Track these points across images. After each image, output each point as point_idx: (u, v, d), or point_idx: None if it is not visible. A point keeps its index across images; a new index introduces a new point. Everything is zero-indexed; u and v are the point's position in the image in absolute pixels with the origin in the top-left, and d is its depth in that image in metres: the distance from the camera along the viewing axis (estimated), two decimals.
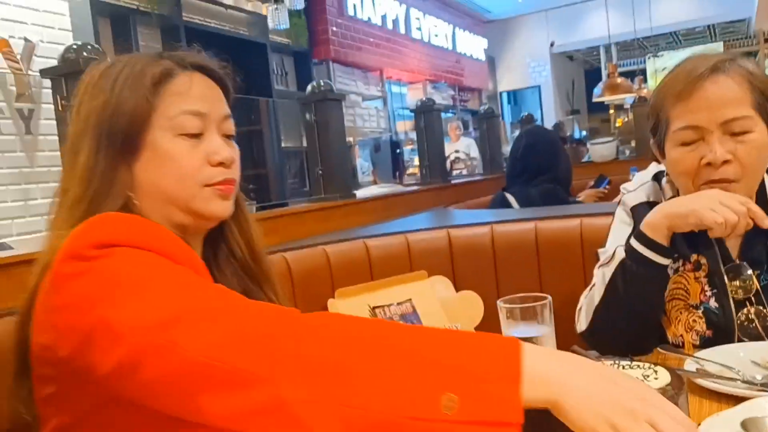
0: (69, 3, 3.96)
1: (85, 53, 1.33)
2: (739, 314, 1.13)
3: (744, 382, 0.91)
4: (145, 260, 0.72)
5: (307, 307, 1.63)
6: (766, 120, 1.09)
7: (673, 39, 11.30)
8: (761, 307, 1.12)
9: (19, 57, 3.55)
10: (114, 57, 0.92)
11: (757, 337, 1.10)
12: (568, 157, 2.82)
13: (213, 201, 0.87)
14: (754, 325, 1.11)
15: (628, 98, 7.77)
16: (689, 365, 0.99)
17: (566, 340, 1.04)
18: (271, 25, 5.50)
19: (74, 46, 1.35)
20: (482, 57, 10.58)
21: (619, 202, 1.33)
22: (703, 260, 1.16)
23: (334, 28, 6.82)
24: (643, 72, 10.80)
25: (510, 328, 0.98)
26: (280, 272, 1.63)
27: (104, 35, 4.31)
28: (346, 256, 1.80)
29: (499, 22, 10.89)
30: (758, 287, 1.12)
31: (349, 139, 5.75)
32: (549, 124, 8.91)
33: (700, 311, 1.16)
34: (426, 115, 3.17)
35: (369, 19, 7.50)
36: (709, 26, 10.57)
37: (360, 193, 2.69)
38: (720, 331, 1.13)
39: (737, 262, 1.14)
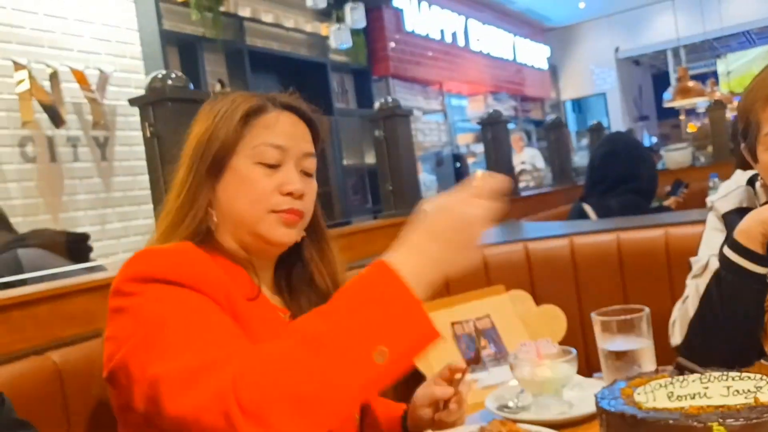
0: (140, 33, 4.14)
1: (169, 81, 1.38)
2: None
3: None
4: (173, 302, 0.79)
5: None
6: None
7: (746, 38, 10.82)
8: None
9: (94, 87, 3.73)
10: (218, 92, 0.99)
11: None
12: (653, 165, 2.63)
13: (277, 227, 0.92)
14: None
15: (700, 102, 7.48)
16: None
17: (656, 353, 1.01)
18: (334, 45, 5.59)
19: (159, 75, 1.39)
20: (544, 65, 10.43)
21: (709, 210, 1.26)
22: None
23: (393, 45, 6.87)
24: (714, 74, 10.39)
25: (606, 342, 0.94)
26: None
27: (173, 62, 4.47)
28: None
29: (561, 30, 10.72)
30: None
31: None
32: None
33: None
34: (493, 127, 3.12)
35: (427, 33, 7.52)
36: None
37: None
38: None
39: None
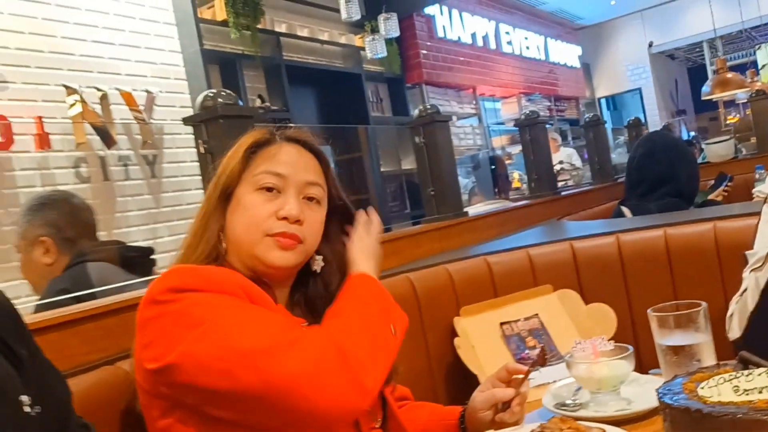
0: (182, 54, 4.27)
1: (220, 99, 1.44)
2: None
3: None
4: (211, 299, 0.85)
5: (434, 326, 1.66)
6: None
7: None
8: None
9: (142, 108, 3.86)
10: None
11: None
12: (693, 163, 2.50)
13: (272, 250, 0.96)
14: None
15: (740, 93, 7.31)
16: None
17: None
18: (369, 55, 5.64)
19: (210, 94, 1.46)
20: (577, 64, 10.33)
21: (764, 201, 1.26)
22: None
23: (425, 52, 6.91)
24: (754, 64, 10.13)
25: (663, 338, 0.95)
26: (404, 293, 1.67)
27: (214, 80, 4.59)
28: (468, 274, 1.81)
29: (592, 28, 10.61)
30: None
31: None
32: (653, 127, 8.53)
33: None
34: (530, 128, 3.13)
35: (459, 38, 7.54)
36: None
37: (470, 211, 2.69)
38: None
39: None
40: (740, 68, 9.17)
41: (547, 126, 9.21)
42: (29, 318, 1.11)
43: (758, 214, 1.26)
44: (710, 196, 2.96)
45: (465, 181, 6.87)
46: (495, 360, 1.60)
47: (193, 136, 1.50)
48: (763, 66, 8.63)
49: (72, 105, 3.46)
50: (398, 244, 2.12)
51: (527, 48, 9.00)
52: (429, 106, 2.42)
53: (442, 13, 7.29)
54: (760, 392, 0.68)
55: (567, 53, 10.07)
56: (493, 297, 1.76)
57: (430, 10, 7.03)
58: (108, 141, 3.59)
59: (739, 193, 3.29)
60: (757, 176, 3.39)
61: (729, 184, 3.18)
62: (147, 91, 3.90)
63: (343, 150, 5.52)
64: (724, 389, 0.70)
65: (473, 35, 7.82)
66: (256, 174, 0.98)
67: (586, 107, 10.40)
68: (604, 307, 1.68)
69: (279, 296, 1.01)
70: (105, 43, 3.80)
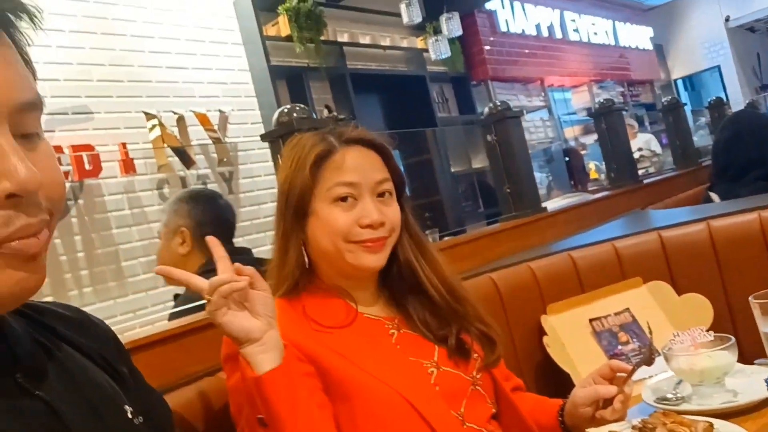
0: (251, 72, 4.40)
1: (295, 114, 1.47)
2: None
3: None
4: None
5: (520, 325, 1.63)
6: None
7: None
8: None
9: (216, 127, 4.00)
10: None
11: None
12: None
13: (363, 256, 1.01)
14: None
15: None
16: None
17: None
18: (433, 56, 5.63)
19: (285, 110, 1.49)
20: (649, 46, 9.92)
21: None
22: None
23: (489, 47, 6.82)
24: None
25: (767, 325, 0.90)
26: (487, 293, 1.65)
27: (282, 95, 4.70)
28: (553, 271, 1.77)
29: (663, 7, 10.17)
30: None
31: None
32: (736, 106, 8.09)
33: None
34: (606, 116, 3.04)
35: (522, 31, 7.40)
36: None
37: (548, 206, 2.63)
38: None
39: None
40: None
41: (623, 113, 8.92)
42: (130, 335, 1.18)
43: None
44: None
45: (539, 176, 6.75)
46: (587, 357, 1.56)
47: (265, 151, 1.54)
48: None
49: (151, 129, 3.62)
50: (477, 244, 2.10)
51: (595, 34, 8.73)
52: (499, 103, 2.39)
53: (503, 7, 7.18)
54: None
55: (638, 35, 9.69)
56: (580, 293, 1.72)
57: (491, 5, 6.93)
58: (187, 162, 3.74)
59: None
60: None
61: None
62: (220, 111, 4.04)
63: (412, 153, 5.51)
64: None
65: (537, 26, 7.66)
66: (330, 188, 1.02)
67: (662, 90, 9.98)
68: (699, 298, 1.61)
69: (364, 298, 1.07)
70: (178, 68, 3.96)
